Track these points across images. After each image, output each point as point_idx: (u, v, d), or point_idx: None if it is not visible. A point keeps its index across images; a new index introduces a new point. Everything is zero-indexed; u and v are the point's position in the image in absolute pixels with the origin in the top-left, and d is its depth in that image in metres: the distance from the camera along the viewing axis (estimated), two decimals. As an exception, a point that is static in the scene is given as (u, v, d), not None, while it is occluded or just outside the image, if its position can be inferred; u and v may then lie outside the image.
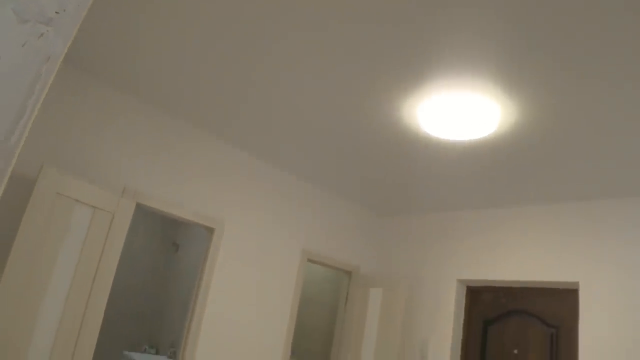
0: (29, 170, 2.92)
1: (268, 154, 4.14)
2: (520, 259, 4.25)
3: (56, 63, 0.66)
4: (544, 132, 2.99)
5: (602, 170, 3.40)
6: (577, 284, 3.87)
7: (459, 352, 4.57)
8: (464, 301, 4.70)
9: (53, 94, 3.06)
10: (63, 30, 0.66)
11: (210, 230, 3.87)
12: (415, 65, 2.51)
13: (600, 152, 3.12)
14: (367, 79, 2.72)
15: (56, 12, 0.66)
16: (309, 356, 5.90)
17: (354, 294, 5.04)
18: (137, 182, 3.44)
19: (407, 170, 4.03)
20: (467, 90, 2.65)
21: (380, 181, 4.40)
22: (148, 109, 3.56)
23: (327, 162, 4.13)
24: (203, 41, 2.62)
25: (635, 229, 3.67)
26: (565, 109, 2.70)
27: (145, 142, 3.53)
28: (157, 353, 5.67)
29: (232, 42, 2.58)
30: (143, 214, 6.08)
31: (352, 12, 2.18)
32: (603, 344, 3.61)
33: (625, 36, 2.02)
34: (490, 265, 4.44)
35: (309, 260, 4.70)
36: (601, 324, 3.65)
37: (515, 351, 4.24)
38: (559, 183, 3.74)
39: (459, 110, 2.86)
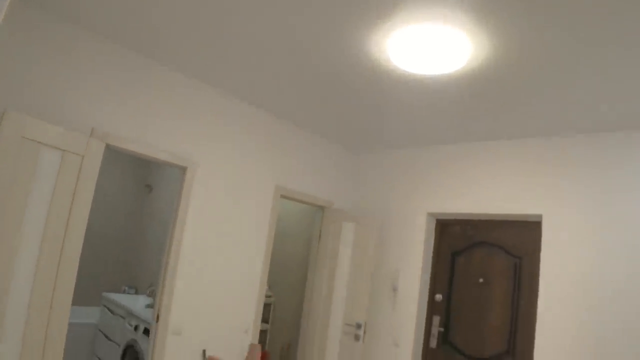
0: (-9, 114, 2.83)
1: (239, 90, 4.08)
2: (487, 193, 4.39)
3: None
4: (514, 67, 3.01)
5: (568, 106, 3.47)
6: (540, 216, 4.05)
7: (427, 282, 4.80)
8: (433, 233, 4.88)
9: (11, 36, 2.93)
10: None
11: (183, 170, 3.87)
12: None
13: (568, 88, 3.17)
14: (336, 8, 2.67)
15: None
16: (285, 288, 6.10)
17: (327, 228, 5.17)
18: (106, 123, 3.37)
19: (377, 106, 4.04)
20: (439, 22, 2.63)
21: (352, 117, 4.41)
22: (114, 46, 3.44)
23: (298, 97, 4.10)
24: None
25: (597, 165, 3.81)
26: (535, 45, 2.71)
27: (113, 82, 3.44)
28: (136, 293, 5.78)
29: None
30: (114, 156, 6.01)
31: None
32: (562, 273, 3.82)
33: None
34: (458, 199, 4.58)
35: (283, 197, 4.76)
36: (561, 255, 3.85)
37: (481, 280, 4.47)
38: (526, 118, 3.82)
39: (430, 43, 2.84)
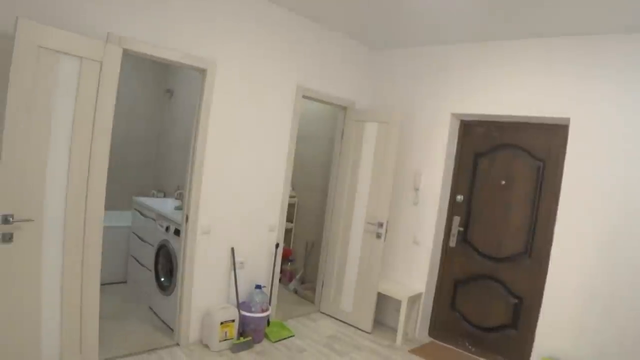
0: (5, 28, 2.77)
1: (255, -9, 3.90)
2: (513, 94, 4.26)
3: None
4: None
5: (598, 5, 3.22)
6: (567, 119, 3.93)
7: (449, 182, 4.83)
8: (456, 134, 4.83)
9: None
10: None
11: (203, 72, 3.82)
12: None
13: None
14: None
15: None
16: (309, 189, 6.24)
17: (349, 128, 5.15)
18: (121, 27, 3.28)
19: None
20: None
21: (373, 11, 4.20)
22: (121, -55, 3.27)
23: (317, -3, 3.91)
24: None
25: (628, 68, 3.61)
26: None
27: (124, -16, 3.31)
28: (165, 196, 5.98)
29: None
30: (134, 63, 5.94)
31: None
32: (584, 179, 3.79)
33: None
34: (483, 100, 4.47)
35: (304, 97, 4.71)
36: (585, 161, 3.79)
37: (503, 182, 4.48)
38: (556, 15, 3.57)
39: None
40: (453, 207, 4.84)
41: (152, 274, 4.53)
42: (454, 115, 4.72)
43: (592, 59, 3.81)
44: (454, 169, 4.84)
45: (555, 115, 4.00)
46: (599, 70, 3.77)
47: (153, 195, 6.07)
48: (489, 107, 4.42)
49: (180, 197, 5.35)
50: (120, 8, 3.27)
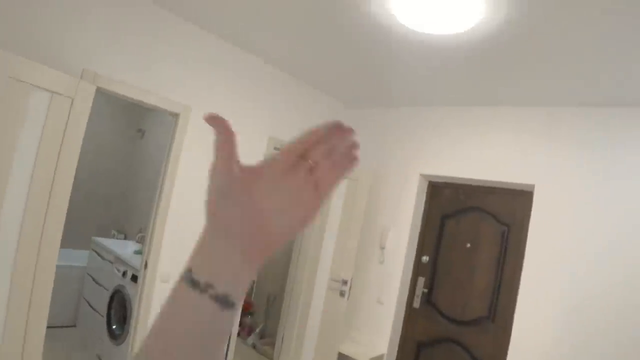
0: (-23, 50, 2.72)
1: (237, 37, 3.95)
2: (482, 159, 4.37)
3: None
4: (524, 34, 2.92)
5: (572, 78, 3.40)
6: (532, 186, 4.04)
7: (415, 243, 4.84)
8: (424, 195, 4.88)
9: (-2, -35, 2.78)
10: None
11: (176, 116, 3.80)
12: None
13: (570, 58, 3.10)
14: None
15: None
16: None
17: (319, 186, 5.14)
18: (97, 64, 3.26)
19: (378, 61, 3.93)
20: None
21: (350, 71, 4.31)
22: (105, -14, 3.30)
23: (296, 47, 3.98)
24: None
25: (594, 140, 3.76)
26: (543, 14, 2.62)
27: (106, 21, 3.30)
28: (125, 238, 5.80)
29: None
30: (106, 99, 5.88)
31: None
32: (548, 244, 3.85)
33: None
34: (452, 163, 4.56)
35: (275, 149, 4.71)
36: (550, 226, 3.87)
37: (469, 245, 4.51)
38: (528, 87, 3.75)
39: (436, 2, 2.74)
40: (418, 268, 4.83)
41: (104, 320, 4.31)
42: (422, 176, 4.79)
43: (556, 130, 3.97)
44: (421, 229, 4.87)
45: (520, 182, 4.10)
46: (562, 141, 3.92)
47: (113, 236, 5.88)
48: (457, 170, 4.51)
49: (141, 240, 5.19)
50: (99, 46, 3.26)
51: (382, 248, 4.88)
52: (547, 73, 3.44)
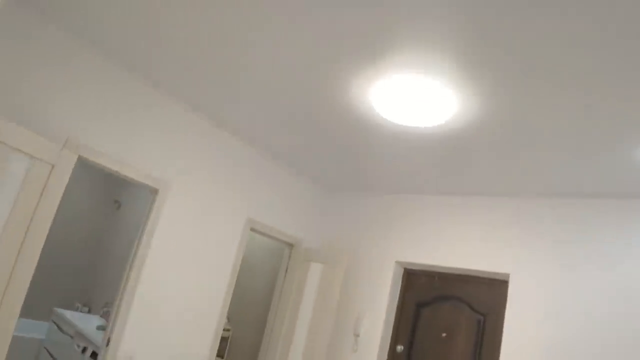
0: (-38, 112, 2.73)
1: (220, 117, 4.05)
2: (457, 247, 4.40)
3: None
4: (496, 128, 3.07)
5: (541, 171, 3.55)
6: (507, 275, 4.06)
7: (390, 331, 4.72)
8: (400, 283, 4.84)
9: (-5, 33, 2.87)
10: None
11: (154, 191, 3.78)
12: (372, 44, 2.51)
13: (542, 152, 3.25)
14: (321, 48, 2.69)
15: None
16: (245, 323, 5.95)
17: (294, 266, 5.09)
18: (81, 134, 3.29)
19: (357, 149, 4.05)
20: (425, 75, 2.67)
21: (330, 157, 4.41)
22: (99, 57, 3.40)
23: (278, 132, 4.09)
24: (163, -4, 2.52)
25: (567, 230, 3.87)
26: (516, 109, 2.78)
27: (93, 93, 3.37)
28: (89, 312, 5.56)
29: (195, 4, 2.49)
30: (85, 168, 5.88)
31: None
32: (524, 334, 3.81)
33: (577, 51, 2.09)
34: (428, 251, 4.58)
35: (252, 230, 4.69)
36: (525, 316, 3.85)
37: (444, 334, 4.42)
38: (502, 177, 3.88)
39: (414, 96, 2.89)
40: (393, 357, 4.68)
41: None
42: (398, 263, 4.78)
43: (530, 220, 4.07)
44: (396, 317, 4.78)
45: (495, 271, 4.11)
46: (535, 231, 4.01)
47: (77, 309, 5.63)
48: (433, 258, 4.52)
49: (105, 315, 4.98)
50: (85, 115, 3.30)
51: (357, 335, 4.75)
52: (518, 165, 3.58)
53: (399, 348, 4.65)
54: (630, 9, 1.83)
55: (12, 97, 2.94)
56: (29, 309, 3.28)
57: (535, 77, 2.44)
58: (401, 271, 4.86)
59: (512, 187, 4.03)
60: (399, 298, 4.81)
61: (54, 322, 4.73)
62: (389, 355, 4.68)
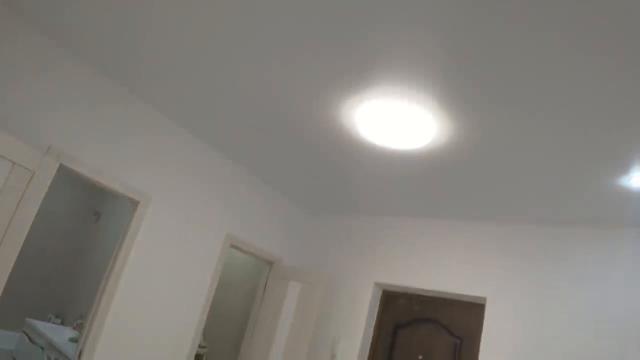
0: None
1: (205, 133, 4.07)
2: (436, 270, 4.43)
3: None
4: (473, 152, 3.14)
5: (519, 197, 3.62)
6: (484, 299, 4.10)
7: (367, 353, 4.71)
8: (378, 304, 4.85)
9: (-17, 38, 2.87)
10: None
11: (135, 203, 3.77)
12: (356, 69, 2.57)
13: (520, 179, 3.32)
14: (308, 71, 2.74)
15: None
16: (221, 340, 5.88)
17: (273, 284, 5.07)
18: (65, 143, 3.28)
19: (340, 170, 4.09)
20: (405, 101, 2.74)
21: (312, 177, 4.44)
22: (84, 67, 3.40)
23: (261, 150, 4.11)
24: (146, 6, 2.55)
25: (544, 256, 3.94)
26: (494, 134, 2.85)
27: (78, 103, 3.37)
28: (62, 324, 5.45)
29: (176, 15, 2.53)
30: (67, 178, 5.83)
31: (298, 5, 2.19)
32: (501, 357, 3.84)
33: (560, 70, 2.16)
34: (407, 272, 4.60)
35: (232, 246, 4.68)
36: (501, 339, 3.88)
37: (420, 357, 4.43)
38: (480, 202, 3.94)
39: (395, 120, 2.95)
40: (367, 379, 4.66)
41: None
42: (377, 284, 4.79)
43: (507, 245, 4.13)
44: (373, 338, 4.77)
45: (473, 294, 4.15)
46: (512, 256, 4.07)
47: (49, 320, 5.52)
48: (411, 280, 4.54)
49: (79, 327, 4.90)
50: (69, 125, 3.30)
51: (333, 356, 4.72)
52: (497, 190, 3.64)
53: (375, 370, 4.64)
54: (612, 35, 1.91)
55: (-4, 102, 2.93)
56: (0, 319, 3.21)
57: (512, 104, 2.51)
58: (380, 292, 4.88)
59: (490, 212, 4.10)
60: (377, 319, 4.81)
61: (25, 333, 4.64)
62: (364, 376, 4.66)
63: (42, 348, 4.16)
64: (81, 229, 6.25)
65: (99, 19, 2.79)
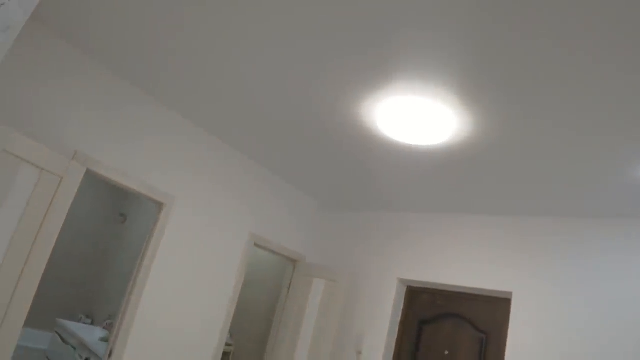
0: (-25, 124, 2.80)
1: (226, 134, 4.12)
2: (460, 265, 4.40)
3: (15, 32, 0.65)
4: (495, 147, 3.11)
5: (543, 190, 3.57)
6: (510, 294, 4.06)
7: (392, 349, 4.71)
8: (402, 300, 4.84)
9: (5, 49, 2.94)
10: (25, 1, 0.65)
11: (160, 205, 3.83)
12: (378, 67, 2.57)
13: (542, 173, 3.28)
14: (329, 70, 2.75)
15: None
16: (247, 338, 5.94)
17: (297, 282, 5.10)
18: (90, 147, 3.36)
19: (361, 167, 4.09)
20: (426, 97, 2.73)
21: (334, 174, 4.45)
22: (107, 73, 3.47)
23: (283, 149, 4.14)
24: (164, 8, 2.59)
25: (570, 249, 3.87)
26: (516, 129, 2.81)
27: (102, 108, 3.45)
28: (92, 324, 5.58)
29: (197, 18, 2.56)
30: (92, 181, 5.95)
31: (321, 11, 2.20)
32: (527, 352, 3.80)
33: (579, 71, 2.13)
34: (431, 268, 4.58)
35: (256, 245, 4.72)
36: (528, 334, 3.84)
37: (447, 352, 4.41)
38: (503, 196, 3.90)
39: (417, 116, 2.94)
40: (393, 376, 4.66)
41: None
42: (400, 280, 4.78)
43: (532, 238, 4.07)
44: (398, 335, 4.76)
45: (498, 289, 4.11)
46: (537, 250, 4.01)
47: (80, 320, 5.65)
48: (435, 276, 4.52)
49: (109, 327, 5.00)
50: (94, 129, 3.37)
51: (359, 352, 4.74)
52: (520, 184, 3.60)
53: (401, 366, 4.64)
54: (631, 30, 1.87)
55: (22, 110, 3.01)
56: (32, 319, 3.32)
57: (533, 98, 2.48)
58: (404, 288, 4.87)
59: (514, 206, 4.05)
60: (402, 315, 4.81)
61: (57, 333, 4.76)
62: (390, 373, 4.67)
63: (74, 348, 4.27)
64: (108, 231, 6.38)
65: (119, 27, 2.84)
